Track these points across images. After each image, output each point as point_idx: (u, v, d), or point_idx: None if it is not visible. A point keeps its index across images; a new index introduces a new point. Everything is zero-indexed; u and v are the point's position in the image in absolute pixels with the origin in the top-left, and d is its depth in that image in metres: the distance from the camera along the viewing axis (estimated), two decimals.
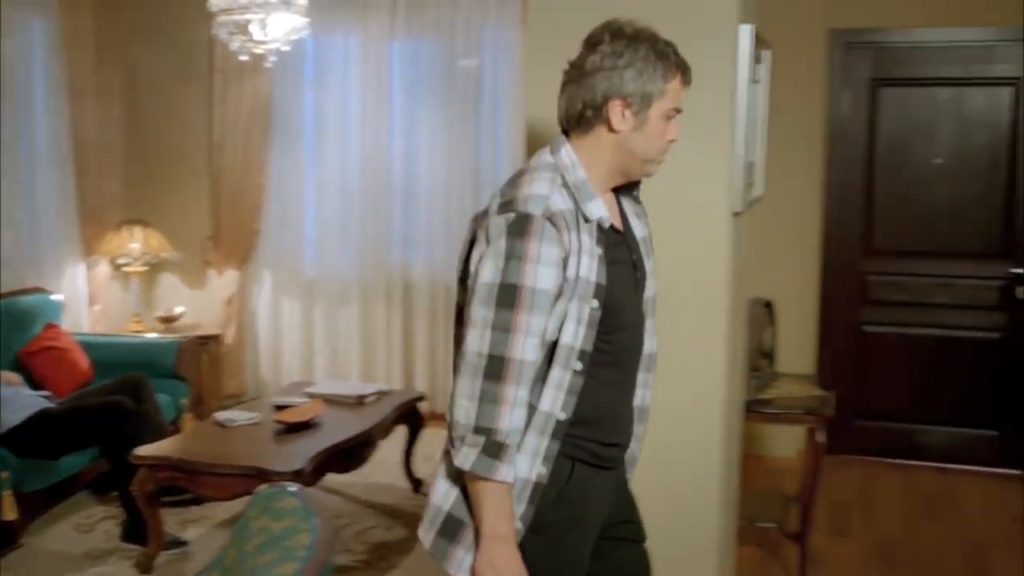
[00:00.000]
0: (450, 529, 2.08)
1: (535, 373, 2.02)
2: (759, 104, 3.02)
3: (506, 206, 2.02)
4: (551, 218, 1.98)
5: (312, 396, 4.95)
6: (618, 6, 2.71)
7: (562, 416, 2.06)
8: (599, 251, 2.04)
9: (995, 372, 5.62)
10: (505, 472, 1.98)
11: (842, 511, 5.04)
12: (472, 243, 2.11)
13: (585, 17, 2.74)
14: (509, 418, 1.97)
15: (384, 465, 5.39)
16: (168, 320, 6.38)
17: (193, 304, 6.69)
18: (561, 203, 2.02)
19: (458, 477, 2.08)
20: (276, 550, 2.34)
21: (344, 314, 6.64)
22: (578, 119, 2.08)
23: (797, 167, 5.61)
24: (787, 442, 5.51)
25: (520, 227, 1.97)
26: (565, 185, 2.05)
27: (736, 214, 2.74)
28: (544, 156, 2.12)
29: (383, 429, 4.86)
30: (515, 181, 2.08)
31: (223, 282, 6.68)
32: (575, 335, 2.03)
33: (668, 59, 2.08)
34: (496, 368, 1.97)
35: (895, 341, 5.69)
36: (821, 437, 4.03)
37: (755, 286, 5.65)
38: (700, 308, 2.75)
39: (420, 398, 5.31)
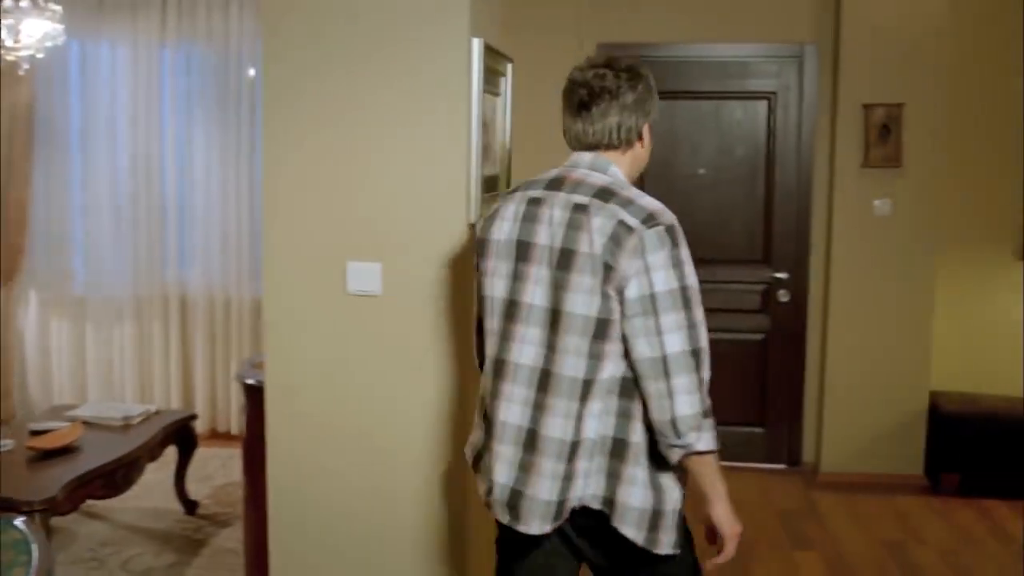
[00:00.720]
0: (655, 522, 2.32)
1: None
2: (499, 117, 3.07)
3: (650, 220, 2.24)
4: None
5: (74, 420, 4.73)
6: (351, 18, 2.72)
7: None
8: None
9: (760, 372, 5.90)
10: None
11: None
12: (605, 261, 2.24)
13: (317, 28, 2.74)
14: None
15: (156, 488, 5.21)
16: None
17: None
18: None
19: (649, 478, 2.32)
20: None
21: (118, 333, 6.38)
22: (619, 140, 2.40)
23: None
24: None
25: (673, 236, 2.25)
26: None
27: (473, 225, 2.76)
28: (597, 175, 2.37)
29: (151, 451, 4.69)
30: (621, 200, 2.28)
31: None
32: None
33: None
34: (699, 359, 2.27)
35: None
36: None
37: None
38: (442, 320, 2.76)
39: (192, 417, 5.15)
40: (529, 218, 2.35)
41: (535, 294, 2.33)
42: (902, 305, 5.60)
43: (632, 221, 2.23)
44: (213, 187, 6.22)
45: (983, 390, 5.78)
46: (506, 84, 3.12)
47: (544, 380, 2.31)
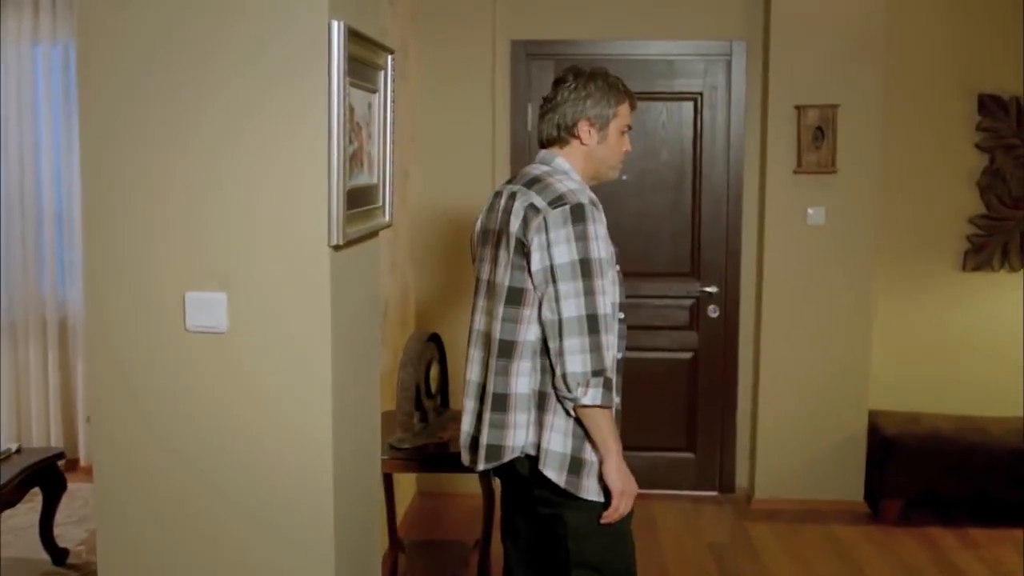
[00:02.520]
0: (575, 467, 2.64)
1: None
2: (377, 117, 2.61)
3: (557, 201, 2.59)
4: (594, 203, 2.62)
5: None
6: (178, 8, 2.25)
7: (619, 356, 2.74)
8: None
9: (690, 393, 5.51)
10: (614, 399, 2.63)
11: None
12: (518, 238, 2.63)
13: (133, 23, 2.26)
14: (609, 358, 2.57)
15: (25, 534, 4.68)
16: None
17: None
18: (591, 193, 2.68)
19: (568, 426, 2.63)
20: None
21: None
22: (557, 137, 2.79)
23: (482, 186, 5.29)
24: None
25: (578, 214, 2.57)
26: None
27: (336, 248, 2.30)
28: (540, 167, 2.78)
29: (6, 496, 4.15)
30: (540, 186, 2.66)
31: None
32: (614, 292, 2.66)
33: (617, 89, 2.79)
34: (594, 324, 2.54)
35: None
36: (490, 478, 3.70)
37: (426, 320, 5.32)
38: (299, 360, 2.30)
39: (59, 456, 4.59)
40: (491, 209, 2.85)
41: (484, 270, 2.81)
42: (839, 320, 5.23)
43: (540, 203, 2.60)
44: None
45: (925, 408, 5.45)
46: (385, 79, 2.66)
47: (488, 342, 2.74)
